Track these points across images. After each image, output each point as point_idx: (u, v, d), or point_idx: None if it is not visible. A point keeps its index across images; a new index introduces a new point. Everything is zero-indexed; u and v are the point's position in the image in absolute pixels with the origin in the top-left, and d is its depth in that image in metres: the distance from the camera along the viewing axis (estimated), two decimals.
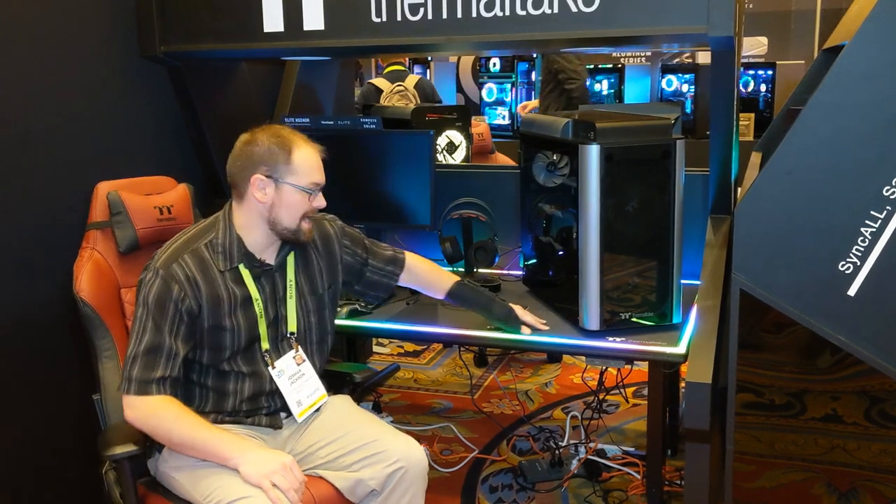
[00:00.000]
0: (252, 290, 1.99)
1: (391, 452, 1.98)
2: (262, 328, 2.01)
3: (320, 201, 2.03)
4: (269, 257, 2.05)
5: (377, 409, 3.57)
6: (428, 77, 8.06)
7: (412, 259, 2.39)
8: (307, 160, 1.99)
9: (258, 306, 1.99)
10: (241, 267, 1.98)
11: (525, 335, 2.32)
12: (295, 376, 2.06)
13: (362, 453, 1.99)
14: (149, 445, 1.94)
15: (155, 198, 2.35)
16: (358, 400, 3.33)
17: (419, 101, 4.92)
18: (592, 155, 2.16)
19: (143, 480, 2.00)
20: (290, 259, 2.09)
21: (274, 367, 2.03)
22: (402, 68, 5.13)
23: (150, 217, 2.31)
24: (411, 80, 5.05)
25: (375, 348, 4.44)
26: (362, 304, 2.54)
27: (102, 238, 2.27)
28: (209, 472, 1.85)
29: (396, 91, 4.94)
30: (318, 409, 2.11)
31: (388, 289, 2.35)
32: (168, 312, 1.87)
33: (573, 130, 2.30)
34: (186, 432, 1.85)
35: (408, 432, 2.10)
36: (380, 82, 5.07)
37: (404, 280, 2.36)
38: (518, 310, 2.36)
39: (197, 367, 1.96)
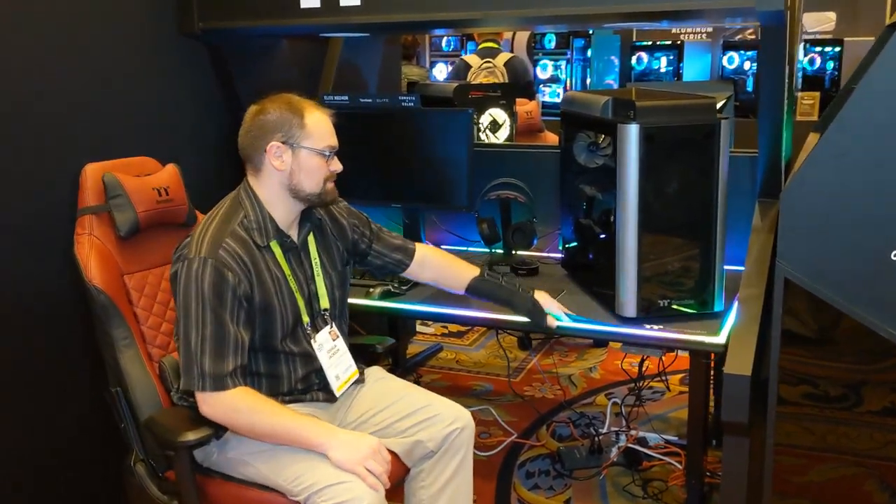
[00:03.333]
0: (285, 267, 1.98)
1: (446, 415, 2.03)
2: (301, 304, 2.00)
3: (337, 164, 2.01)
4: (294, 234, 2.04)
5: None
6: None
7: (425, 251, 2.33)
8: (320, 123, 1.97)
9: (292, 283, 1.99)
10: (274, 244, 1.97)
11: (554, 325, 2.25)
12: (332, 351, 2.06)
13: (417, 417, 2.03)
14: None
15: (150, 179, 2.27)
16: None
17: (507, 80, 4.85)
18: (632, 135, 2.08)
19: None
20: (311, 238, 2.08)
21: (315, 342, 2.03)
22: (495, 45, 5.05)
23: (149, 199, 2.22)
24: (502, 57, 4.96)
25: (419, 328, 4.42)
26: (395, 286, 2.51)
27: (98, 223, 2.16)
28: (294, 457, 1.83)
29: (484, 67, 4.90)
30: (355, 383, 2.12)
31: (393, 274, 2.37)
32: (227, 301, 1.83)
33: (613, 109, 2.22)
34: (269, 421, 1.82)
35: None
36: (471, 59, 5.06)
37: (417, 274, 2.32)
38: (543, 298, 2.28)
39: (249, 355, 1.93)
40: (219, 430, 1.87)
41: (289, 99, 1.97)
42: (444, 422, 2.02)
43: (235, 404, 1.81)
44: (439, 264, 2.33)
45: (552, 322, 2.25)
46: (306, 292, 2.03)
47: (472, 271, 2.31)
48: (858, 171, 1.77)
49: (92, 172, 2.20)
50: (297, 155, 1.93)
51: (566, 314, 2.27)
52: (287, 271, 1.98)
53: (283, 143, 1.92)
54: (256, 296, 1.89)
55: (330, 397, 2.06)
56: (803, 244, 1.86)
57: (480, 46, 5.06)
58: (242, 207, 1.96)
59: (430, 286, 2.51)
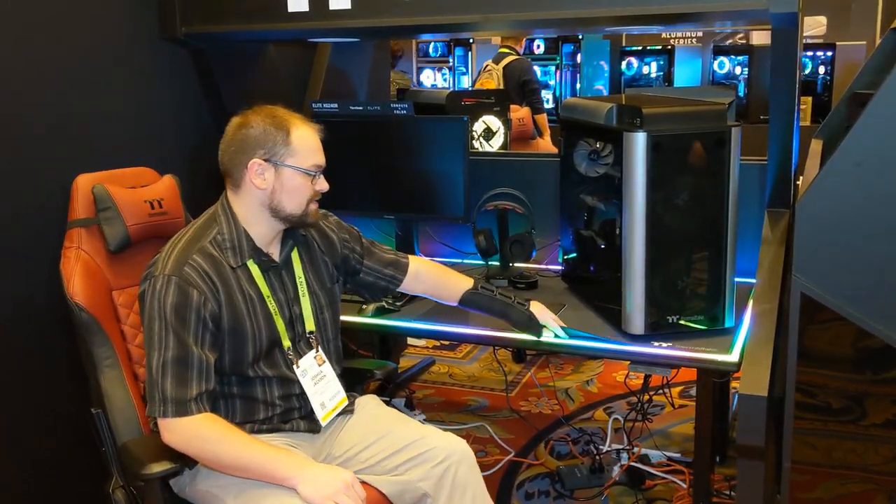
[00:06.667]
0: (263, 287, 1.86)
1: (437, 450, 1.87)
2: (281, 326, 1.88)
3: (323, 184, 1.88)
4: (274, 253, 1.92)
5: (409, 405, 3.44)
6: (469, 59, 7.92)
7: (418, 264, 2.22)
8: (307, 140, 1.84)
9: (271, 304, 1.87)
10: (251, 263, 1.85)
11: (555, 339, 2.16)
12: (317, 377, 1.93)
13: (407, 454, 1.88)
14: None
15: (143, 191, 2.19)
16: (391, 395, 3.22)
17: (503, 83, 4.95)
18: (638, 143, 1.99)
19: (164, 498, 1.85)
20: (295, 256, 1.96)
21: (298, 367, 1.90)
22: (506, 50, 5.19)
23: (140, 212, 2.13)
24: (504, 61, 5.09)
25: (410, 341, 4.30)
26: (389, 302, 2.40)
27: (88, 236, 2.07)
28: (263, 491, 1.71)
29: (485, 70, 5.07)
30: (343, 412, 1.99)
31: (386, 292, 2.24)
32: (190, 322, 1.72)
33: (617, 116, 2.13)
34: (236, 453, 1.70)
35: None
36: (488, 63, 5.26)
37: (410, 287, 2.20)
38: (539, 311, 2.19)
39: (218, 378, 1.81)
40: (188, 460, 1.76)
41: (273, 112, 1.84)
42: (435, 459, 1.85)
43: (200, 432, 1.70)
44: (433, 277, 2.22)
45: (548, 333, 2.17)
46: (288, 314, 1.91)
47: (466, 283, 2.21)
48: (879, 178, 1.68)
49: (83, 184, 2.11)
50: (279, 174, 1.82)
51: (562, 328, 2.18)
52: (266, 292, 1.86)
53: (265, 160, 1.81)
54: (225, 317, 1.78)
55: (314, 426, 1.93)
56: (821, 257, 1.76)
57: (499, 51, 5.25)
58: (217, 223, 1.85)
59: (424, 301, 2.41)
